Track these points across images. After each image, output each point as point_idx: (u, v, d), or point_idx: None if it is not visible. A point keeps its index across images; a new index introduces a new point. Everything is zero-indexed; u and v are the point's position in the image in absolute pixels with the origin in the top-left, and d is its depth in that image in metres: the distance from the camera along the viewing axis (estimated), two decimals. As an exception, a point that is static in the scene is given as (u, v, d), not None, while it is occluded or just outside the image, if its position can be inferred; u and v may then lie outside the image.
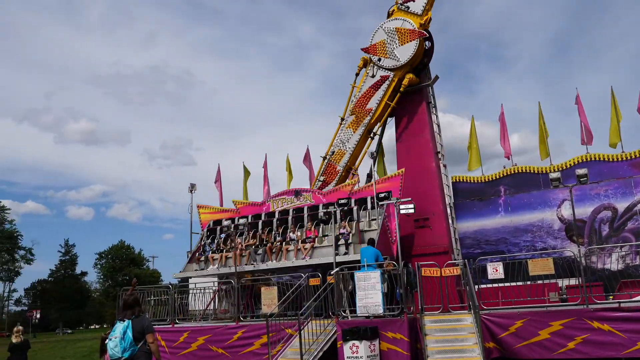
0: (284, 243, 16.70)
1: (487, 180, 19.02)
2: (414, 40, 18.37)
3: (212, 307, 17.17)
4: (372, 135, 19.74)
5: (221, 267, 17.00)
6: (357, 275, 11.84)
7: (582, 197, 17.11)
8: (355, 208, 16.71)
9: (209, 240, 18.50)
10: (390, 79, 19.10)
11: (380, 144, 20.08)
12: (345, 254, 15.18)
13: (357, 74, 20.04)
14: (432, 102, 19.57)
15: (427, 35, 18.73)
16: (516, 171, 18.63)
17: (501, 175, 18.81)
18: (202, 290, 16.08)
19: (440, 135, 19.50)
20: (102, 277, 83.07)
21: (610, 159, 17.23)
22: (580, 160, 17.57)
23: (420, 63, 18.96)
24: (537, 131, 18.94)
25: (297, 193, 18.73)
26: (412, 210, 15.05)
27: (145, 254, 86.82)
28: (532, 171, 18.38)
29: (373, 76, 19.45)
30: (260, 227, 18.11)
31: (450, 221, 18.42)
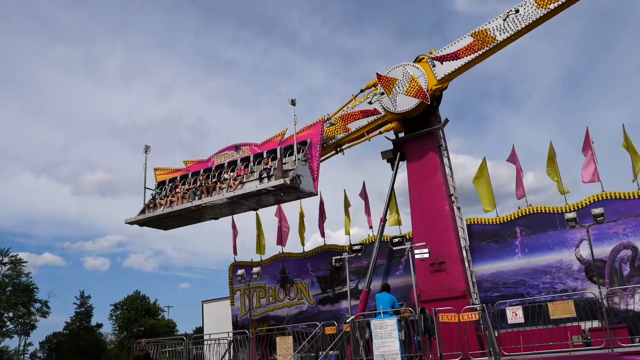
0: (218, 182, 19.39)
1: (502, 221, 18.82)
2: (417, 98, 18.41)
3: (227, 358, 16.92)
4: (338, 150, 20.57)
5: (166, 208, 19.76)
6: (374, 323, 11.65)
7: (600, 236, 16.83)
8: (279, 149, 19.00)
9: (159, 190, 21.52)
10: (379, 116, 19.44)
11: (392, 187, 20.03)
12: (267, 180, 17.89)
13: (362, 90, 20.32)
14: (444, 145, 19.59)
15: (429, 104, 18.47)
16: (531, 212, 18.43)
17: (516, 216, 18.61)
18: (217, 341, 15.89)
19: (452, 178, 19.43)
20: (117, 328, 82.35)
21: (627, 197, 16.99)
22: (596, 199, 17.36)
23: (429, 107, 19.05)
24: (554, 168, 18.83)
25: (237, 147, 20.66)
26: (427, 255, 14.91)
27: (160, 304, 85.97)
28: (547, 211, 18.17)
29: (370, 103, 19.78)
30: (202, 176, 20.59)
31: (466, 264, 18.15)
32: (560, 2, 16.60)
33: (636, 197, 16.82)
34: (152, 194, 21.53)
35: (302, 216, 23.66)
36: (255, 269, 19.89)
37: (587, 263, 16.88)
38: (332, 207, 23.10)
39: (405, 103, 18.66)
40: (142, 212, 20.80)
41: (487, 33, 17.74)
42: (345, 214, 22.74)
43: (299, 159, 18.17)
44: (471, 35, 18.06)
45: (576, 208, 17.44)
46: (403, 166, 19.89)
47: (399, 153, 19.58)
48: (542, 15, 16.92)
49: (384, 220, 18.86)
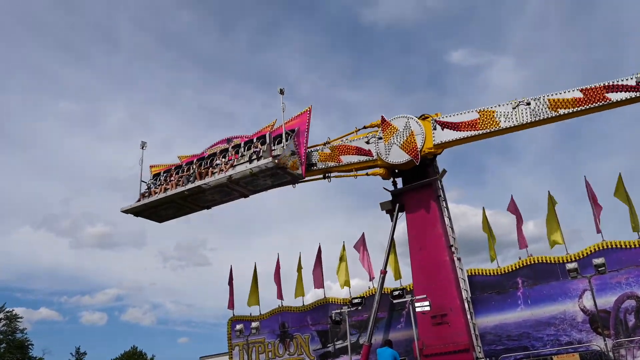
0: (210, 167, 20.42)
1: (503, 272, 18.60)
2: (409, 155, 18.75)
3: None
4: (326, 176, 21.10)
5: (160, 195, 20.59)
6: (375, 379, 11.36)
7: (602, 286, 16.62)
8: (268, 134, 20.01)
9: (154, 181, 22.44)
10: (371, 158, 19.80)
11: (392, 237, 19.93)
12: (255, 161, 19.06)
13: (365, 127, 20.68)
14: (442, 196, 19.62)
15: (418, 165, 18.91)
16: (533, 262, 18.24)
17: (517, 267, 18.42)
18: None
19: (452, 228, 19.35)
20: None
21: (628, 246, 16.85)
22: (596, 249, 17.22)
23: (424, 160, 19.13)
24: (553, 219, 18.78)
25: (229, 140, 21.48)
26: (427, 308, 14.73)
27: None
28: (548, 261, 17.98)
29: (367, 142, 20.07)
30: (195, 164, 21.40)
31: (469, 316, 17.85)
32: (571, 110, 16.86)
33: (637, 246, 16.67)
34: (147, 184, 22.27)
35: (300, 268, 23.44)
36: (254, 324, 19.67)
37: (591, 314, 16.60)
38: (334, 258, 22.91)
39: (397, 155, 18.95)
40: (138, 201, 21.49)
41: (493, 115, 18.01)
42: (342, 269, 22.43)
43: (287, 145, 19.05)
44: (477, 112, 18.36)
45: (577, 258, 17.30)
46: (403, 216, 19.90)
47: (397, 204, 19.61)
48: (550, 117, 17.19)
49: (384, 273, 18.68)
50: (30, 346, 70.54)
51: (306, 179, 20.67)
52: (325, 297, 22.51)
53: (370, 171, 19.98)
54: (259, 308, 23.82)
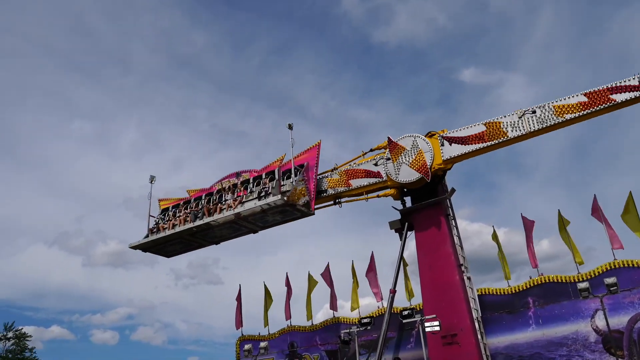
0: (219, 204, 20.17)
1: (514, 291, 18.43)
2: (419, 172, 18.74)
3: None
4: (336, 202, 20.91)
5: (168, 231, 20.36)
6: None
7: (615, 306, 16.40)
8: (277, 169, 19.89)
9: (162, 216, 22.20)
10: (380, 180, 19.79)
11: (401, 256, 19.84)
12: (263, 198, 18.90)
13: (372, 149, 20.67)
14: (451, 214, 19.53)
15: (427, 184, 18.94)
16: (544, 281, 18.05)
17: (528, 286, 18.23)
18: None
19: (462, 247, 19.23)
20: (121, 406, 79.67)
21: (640, 265, 16.67)
22: (608, 268, 17.01)
23: (433, 178, 19.12)
24: (566, 237, 18.63)
25: (238, 174, 21.30)
26: (437, 328, 14.62)
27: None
28: (560, 280, 17.79)
29: (375, 165, 20.11)
30: (204, 200, 21.24)
31: (479, 337, 17.65)
32: (577, 115, 16.98)
33: (650, 265, 16.48)
34: (155, 220, 22.00)
35: (310, 288, 23.32)
36: (262, 343, 19.58)
37: (604, 334, 16.36)
38: (346, 277, 22.81)
39: (407, 174, 18.92)
40: (146, 237, 21.25)
41: (499, 126, 18.10)
42: (353, 290, 22.33)
43: (296, 180, 18.86)
44: (484, 124, 18.45)
45: (589, 277, 17.10)
46: (412, 235, 19.81)
47: (406, 223, 19.53)
48: (557, 122, 17.29)
49: (393, 292, 18.55)
50: (39, 365, 70.41)
51: (317, 206, 20.41)
52: (334, 316, 22.38)
53: (381, 193, 19.93)
54: (267, 328, 23.75)
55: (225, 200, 20.18)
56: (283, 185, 19.24)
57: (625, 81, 16.31)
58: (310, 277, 23.40)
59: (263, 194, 19.11)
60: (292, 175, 19.19)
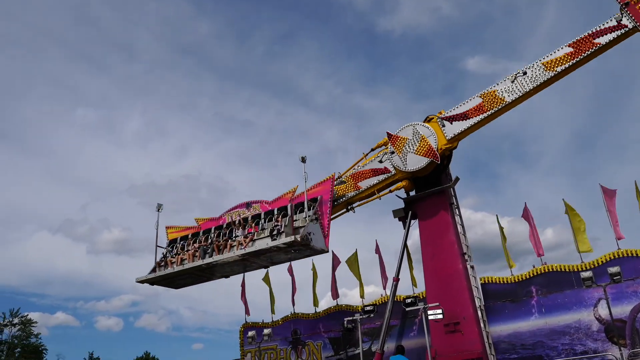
0: (229, 240, 19.31)
1: (517, 280, 18.47)
2: (427, 157, 18.61)
3: None
4: (349, 208, 20.53)
5: (177, 267, 19.60)
6: (387, 387, 11.33)
7: (618, 295, 16.43)
8: (289, 206, 18.92)
9: (170, 249, 21.39)
10: (389, 174, 19.60)
11: (405, 245, 19.90)
12: (278, 237, 17.96)
13: (373, 149, 20.53)
14: (455, 203, 19.55)
15: (439, 163, 18.72)
16: (547, 270, 18.08)
17: (531, 275, 18.27)
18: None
19: (465, 236, 19.27)
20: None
21: (644, 255, 16.68)
22: (612, 257, 17.02)
23: (439, 165, 19.14)
24: (570, 225, 18.61)
25: (248, 205, 20.66)
26: (440, 316, 14.67)
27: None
28: (563, 269, 17.83)
29: (380, 162, 19.96)
30: (213, 233, 20.44)
31: (482, 325, 17.73)
32: (567, 65, 17.02)
33: (654, 254, 16.50)
34: (163, 253, 21.47)
35: (315, 275, 23.44)
36: (266, 330, 19.69)
37: (606, 323, 16.42)
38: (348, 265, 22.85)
39: (415, 162, 18.82)
40: (153, 270, 20.69)
41: (495, 94, 18.08)
42: (357, 278, 22.39)
43: (309, 216, 18.18)
44: (480, 96, 18.41)
45: (592, 266, 17.12)
46: (416, 224, 19.84)
47: (410, 212, 19.57)
48: (549, 77, 17.31)
49: (396, 280, 18.63)
50: (44, 351, 71.10)
51: (332, 216, 19.78)
52: (337, 304, 22.50)
53: (393, 187, 19.69)
54: (271, 315, 23.91)
55: (236, 236, 19.48)
56: (296, 220, 18.48)
57: (605, 24, 16.58)
58: (314, 267, 23.51)
59: (275, 232, 18.36)
60: (305, 210, 18.47)
